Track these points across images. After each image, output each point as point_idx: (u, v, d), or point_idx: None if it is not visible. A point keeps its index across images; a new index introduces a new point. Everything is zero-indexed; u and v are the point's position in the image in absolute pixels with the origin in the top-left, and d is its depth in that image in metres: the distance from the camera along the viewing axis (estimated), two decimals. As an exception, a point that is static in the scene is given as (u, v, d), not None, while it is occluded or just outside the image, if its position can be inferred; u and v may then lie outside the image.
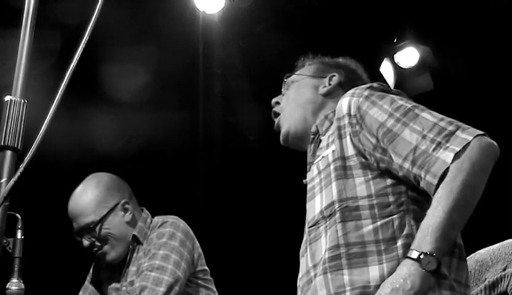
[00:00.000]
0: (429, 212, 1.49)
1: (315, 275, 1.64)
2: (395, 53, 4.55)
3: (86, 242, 2.68)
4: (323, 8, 4.30)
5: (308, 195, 1.80)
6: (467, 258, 2.08)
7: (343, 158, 1.69)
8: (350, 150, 1.69)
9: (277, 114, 2.04)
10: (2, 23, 3.13)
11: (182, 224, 2.70)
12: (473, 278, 2.02)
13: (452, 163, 1.49)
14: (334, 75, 2.01)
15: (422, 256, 1.44)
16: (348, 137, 1.70)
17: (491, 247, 2.07)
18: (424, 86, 4.60)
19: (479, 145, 1.51)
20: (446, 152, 1.51)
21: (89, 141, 4.28)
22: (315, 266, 1.66)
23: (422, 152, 1.54)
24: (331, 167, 1.71)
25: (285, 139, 2.00)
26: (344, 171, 1.68)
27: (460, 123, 1.58)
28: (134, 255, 2.70)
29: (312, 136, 1.90)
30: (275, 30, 4.27)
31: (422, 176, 1.53)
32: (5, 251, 1.42)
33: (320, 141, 1.86)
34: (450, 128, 1.55)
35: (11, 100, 1.32)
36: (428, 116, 1.61)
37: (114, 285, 2.75)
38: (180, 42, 4.37)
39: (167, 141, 4.46)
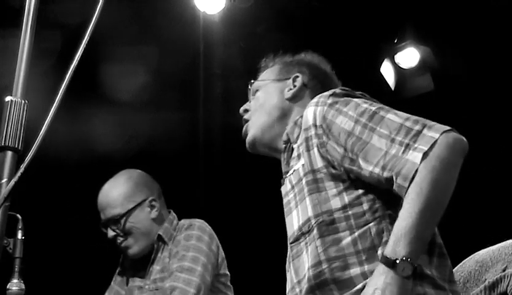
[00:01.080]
0: (401, 214, 1.47)
1: (300, 292, 1.64)
2: (396, 53, 4.55)
3: (111, 233, 2.73)
4: (324, 8, 4.30)
5: (285, 210, 1.79)
6: (467, 259, 2.09)
7: (313, 171, 1.67)
8: (319, 162, 1.67)
9: (247, 121, 2.02)
10: (2, 23, 3.13)
11: (208, 227, 2.75)
12: (472, 279, 2.02)
13: (420, 163, 1.47)
14: (297, 76, 1.98)
15: (397, 261, 1.42)
16: (315, 149, 1.68)
17: (491, 248, 2.07)
18: (424, 87, 4.60)
19: (446, 142, 1.49)
20: (415, 153, 1.49)
21: (89, 141, 4.28)
22: (299, 282, 1.65)
23: (392, 156, 1.52)
24: (303, 181, 1.69)
25: (250, 146, 1.99)
26: (316, 184, 1.66)
27: (426, 121, 1.56)
28: (159, 254, 2.73)
29: (284, 145, 1.88)
30: (276, 30, 4.27)
31: (394, 179, 1.51)
32: (5, 251, 1.42)
33: (293, 149, 1.83)
34: (417, 127, 1.53)
35: (11, 101, 1.32)
36: (394, 117, 1.59)
37: (138, 283, 2.79)
38: (181, 42, 4.37)
39: (168, 141, 4.47)
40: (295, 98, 1.96)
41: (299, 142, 1.78)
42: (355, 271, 1.55)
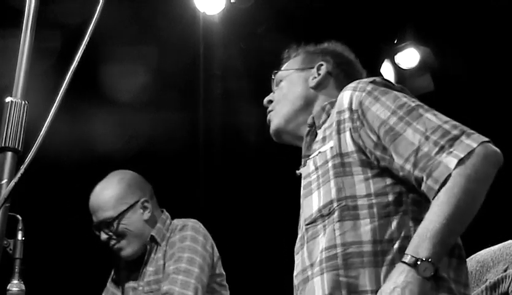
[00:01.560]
0: (428, 216, 1.46)
1: (312, 275, 1.62)
2: (396, 54, 4.55)
3: (103, 236, 2.72)
4: (324, 9, 4.30)
5: (304, 191, 1.76)
6: (468, 259, 2.09)
7: (342, 154, 1.65)
8: (349, 147, 1.65)
9: (270, 111, 2.00)
10: (2, 23, 3.13)
11: (201, 227, 2.74)
12: (473, 279, 2.02)
13: (455, 169, 1.46)
14: (322, 65, 1.97)
15: (419, 262, 1.41)
16: (348, 133, 1.66)
17: (492, 248, 2.07)
18: (425, 87, 4.60)
19: (484, 153, 1.48)
20: (449, 157, 1.47)
21: (89, 141, 4.28)
22: (312, 265, 1.63)
23: (424, 154, 1.51)
24: (330, 164, 1.67)
25: (275, 134, 1.98)
26: (343, 168, 1.64)
27: (465, 128, 1.54)
28: (152, 255, 2.73)
29: (308, 128, 1.86)
30: (276, 31, 4.27)
31: (424, 179, 1.50)
32: (5, 252, 1.42)
33: (316, 133, 1.82)
34: (455, 132, 1.52)
35: (12, 102, 1.32)
36: (433, 117, 1.57)
37: (131, 284, 2.78)
38: (181, 42, 4.37)
39: (167, 141, 4.46)
40: (320, 86, 1.94)
41: (326, 125, 1.76)
42: (368, 260, 1.54)
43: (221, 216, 4.69)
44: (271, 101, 2.01)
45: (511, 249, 2.00)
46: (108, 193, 2.73)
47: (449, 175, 1.46)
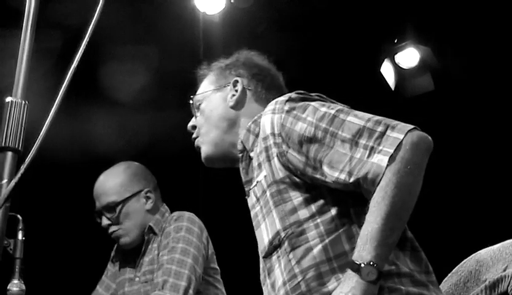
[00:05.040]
0: (366, 218, 1.46)
1: None
2: (396, 53, 4.55)
3: (105, 222, 2.74)
4: (324, 9, 4.30)
5: (254, 223, 1.76)
6: (467, 258, 2.09)
7: (276, 182, 1.64)
8: (280, 173, 1.64)
9: (196, 138, 1.98)
10: (2, 23, 3.13)
11: (197, 219, 2.74)
12: (473, 278, 2.02)
13: (387, 166, 1.45)
14: (236, 81, 1.93)
15: (362, 266, 1.41)
16: (276, 159, 1.64)
17: (491, 247, 2.07)
18: (425, 87, 4.60)
19: (411, 142, 1.46)
20: (380, 156, 1.47)
21: (89, 141, 4.28)
22: None
23: (357, 161, 1.50)
24: (268, 193, 1.66)
25: (207, 162, 1.96)
26: (280, 196, 1.63)
27: (388, 121, 1.53)
28: (149, 246, 2.74)
29: (240, 154, 1.83)
30: (276, 31, 4.27)
31: (361, 183, 1.49)
32: (6, 252, 1.42)
33: (250, 157, 1.79)
34: (380, 128, 1.50)
35: (12, 101, 1.32)
36: (355, 119, 1.55)
37: (128, 275, 2.79)
38: (181, 42, 4.37)
39: (168, 141, 4.46)
40: (239, 104, 1.91)
41: (258, 150, 1.74)
42: (328, 280, 1.54)
43: (221, 216, 4.69)
44: (194, 127, 1.99)
45: (511, 248, 2.00)
46: (114, 179, 2.77)
47: (383, 174, 1.45)
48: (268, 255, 1.67)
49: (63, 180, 4.25)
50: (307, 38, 4.20)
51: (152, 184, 2.84)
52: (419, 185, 1.48)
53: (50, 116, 1.30)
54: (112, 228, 2.73)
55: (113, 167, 2.83)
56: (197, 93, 2.03)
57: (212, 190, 4.84)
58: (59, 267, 4.20)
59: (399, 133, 1.48)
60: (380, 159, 1.46)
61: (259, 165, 1.71)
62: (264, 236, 1.69)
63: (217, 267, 2.80)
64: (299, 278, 1.57)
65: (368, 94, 4.15)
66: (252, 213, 1.77)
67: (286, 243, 1.61)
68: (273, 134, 1.65)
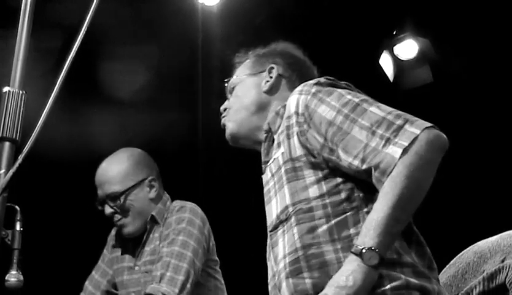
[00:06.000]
0: (374, 206, 1.50)
1: (279, 280, 1.65)
2: (394, 45, 4.55)
3: (108, 210, 2.70)
4: (323, 1, 4.29)
5: (265, 199, 1.80)
6: (466, 250, 2.09)
7: (292, 159, 1.68)
8: (298, 151, 1.68)
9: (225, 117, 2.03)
10: (2, 23, 3.12)
11: (200, 210, 2.73)
12: (471, 270, 2.02)
13: (400, 158, 1.48)
14: (272, 67, 1.99)
15: (364, 251, 1.45)
16: (295, 137, 1.69)
17: (490, 239, 2.07)
18: (423, 79, 4.60)
19: (426, 138, 1.50)
20: (395, 148, 1.50)
21: (89, 140, 4.27)
22: (279, 271, 1.66)
23: (372, 149, 1.53)
24: (282, 170, 1.70)
25: (231, 139, 2.01)
26: (294, 173, 1.67)
27: (408, 116, 1.56)
28: (151, 235, 2.72)
29: (265, 135, 1.88)
30: (275, 22, 4.26)
31: (372, 171, 1.53)
32: (4, 242, 1.42)
33: (274, 139, 1.83)
34: (398, 122, 1.54)
35: (9, 91, 1.32)
36: (377, 110, 1.59)
37: (127, 263, 2.77)
38: (180, 34, 4.36)
39: (167, 139, 4.46)
40: (272, 90, 1.97)
41: (280, 130, 1.78)
42: (330, 258, 1.57)
43: (221, 215, 4.69)
44: (225, 109, 2.04)
45: (509, 240, 2.00)
46: (117, 167, 2.73)
47: (395, 165, 1.49)
48: (274, 229, 1.71)
49: (62, 174, 4.24)
50: (305, 29, 4.19)
51: (155, 172, 2.81)
52: (429, 182, 1.51)
53: (47, 105, 1.30)
54: (116, 218, 2.70)
55: (115, 153, 2.79)
56: (233, 76, 2.07)
57: (212, 190, 4.84)
58: (57, 257, 4.20)
59: (417, 128, 1.51)
60: (394, 150, 1.50)
61: (279, 144, 1.76)
62: (273, 211, 1.73)
63: (217, 259, 2.79)
64: (300, 253, 1.60)
65: (366, 86, 4.13)
66: (265, 189, 1.81)
67: (292, 218, 1.64)
68: (297, 113, 1.70)
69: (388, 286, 1.49)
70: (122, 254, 2.80)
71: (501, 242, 2.01)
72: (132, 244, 2.76)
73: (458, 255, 2.11)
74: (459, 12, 4.24)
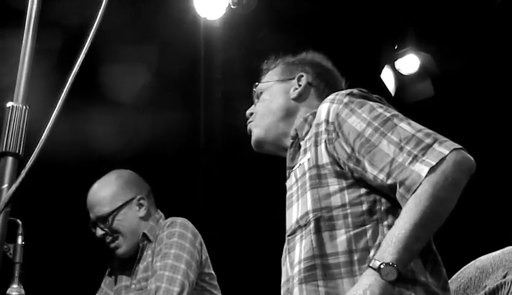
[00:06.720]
0: (396, 222, 1.49)
1: (293, 285, 1.64)
2: (396, 59, 4.56)
3: (99, 232, 2.74)
4: (325, 15, 4.30)
5: (287, 203, 1.79)
6: (467, 265, 2.09)
7: (318, 166, 1.68)
8: (324, 158, 1.68)
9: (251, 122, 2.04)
10: (2, 24, 3.13)
11: (190, 224, 2.74)
12: (473, 285, 2.02)
13: (426, 177, 1.48)
14: (302, 76, 2.00)
15: (382, 266, 1.44)
16: (323, 145, 1.69)
17: (492, 254, 2.07)
18: (425, 93, 4.60)
19: (454, 159, 1.50)
20: (421, 166, 1.50)
21: (90, 142, 4.28)
22: (293, 276, 1.66)
23: (398, 165, 1.53)
24: (307, 175, 1.70)
25: (256, 144, 2.01)
26: (318, 180, 1.67)
27: (438, 136, 1.56)
28: (144, 253, 2.74)
29: (291, 140, 1.89)
30: (276, 36, 4.28)
31: (397, 187, 1.52)
32: (5, 256, 1.42)
33: (300, 145, 1.84)
34: (428, 140, 1.54)
35: (13, 106, 1.32)
36: (407, 127, 1.59)
37: (124, 283, 2.79)
38: (182, 47, 4.38)
39: (168, 142, 4.46)
40: (301, 97, 1.97)
41: (307, 137, 1.79)
42: (346, 270, 1.56)
43: (221, 217, 4.69)
44: (252, 114, 2.04)
45: (511, 255, 2.00)
46: (106, 190, 2.76)
47: (421, 183, 1.48)
48: (292, 233, 1.70)
49: (63, 184, 4.24)
50: (307, 44, 4.20)
51: (145, 191, 2.83)
52: (453, 203, 1.51)
53: (51, 121, 1.30)
54: (108, 239, 2.73)
55: (104, 177, 2.82)
56: (262, 81, 2.07)
57: (212, 190, 4.84)
58: (59, 271, 4.20)
59: (446, 148, 1.51)
60: (421, 168, 1.49)
61: (305, 150, 1.76)
62: (293, 215, 1.72)
63: (212, 272, 2.79)
64: (317, 261, 1.60)
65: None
66: (288, 194, 1.80)
67: (312, 225, 1.63)
68: (327, 121, 1.70)
69: None
70: (120, 274, 2.83)
71: (503, 257, 2.00)
72: (130, 263, 2.78)
73: (460, 270, 2.11)
74: (460, 27, 4.25)
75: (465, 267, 2.10)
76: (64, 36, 3.84)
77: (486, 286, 1.96)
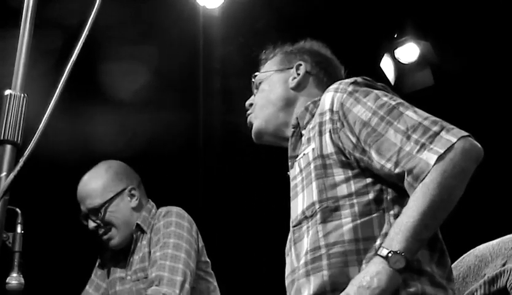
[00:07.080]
0: (404, 210, 1.50)
1: (298, 276, 1.64)
2: (396, 48, 4.55)
3: (91, 224, 2.72)
4: (324, 3, 4.29)
5: (291, 194, 1.79)
6: (467, 253, 2.09)
7: (322, 156, 1.67)
8: (329, 148, 1.67)
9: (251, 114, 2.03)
10: (2, 23, 3.12)
11: (186, 213, 2.73)
12: (472, 274, 2.02)
13: (434, 165, 1.48)
14: (300, 64, 1.99)
15: (390, 254, 1.44)
16: (327, 134, 1.68)
17: (491, 242, 2.07)
18: (424, 82, 4.60)
19: (462, 147, 1.49)
20: (430, 154, 1.49)
21: (89, 140, 4.27)
22: (299, 266, 1.65)
23: (406, 154, 1.53)
24: (312, 166, 1.69)
25: (256, 135, 2.00)
26: (324, 170, 1.66)
27: (445, 123, 1.55)
28: (138, 244, 2.73)
29: (292, 129, 1.88)
30: (276, 25, 4.26)
31: (405, 176, 1.52)
32: (5, 245, 1.42)
33: (302, 134, 1.83)
34: (435, 128, 1.53)
35: (11, 94, 1.32)
36: (413, 115, 1.58)
37: (119, 274, 2.78)
38: (181, 37, 4.36)
39: (168, 140, 4.46)
40: (300, 86, 1.96)
41: (310, 126, 1.78)
42: (352, 258, 1.56)
43: (221, 214, 4.69)
44: (251, 105, 2.03)
45: (510, 243, 2.00)
46: (96, 182, 2.74)
47: (429, 171, 1.48)
48: (298, 224, 1.70)
49: (63, 176, 4.23)
50: (306, 32, 4.19)
51: (135, 181, 2.81)
52: (461, 191, 1.51)
53: (49, 108, 1.30)
54: (100, 231, 2.72)
55: (94, 168, 2.80)
56: (260, 72, 2.07)
57: (212, 190, 4.84)
58: (58, 260, 4.20)
59: (453, 136, 1.51)
60: (429, 157, 1.49)
61: (309, 139, 1.75)
62: (299, 206, 1.71)
63: (208, 260, 2.79)
64: (323, 250, 1.59)
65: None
66: (292, 184, 1.79)
67: (318, 215, 1.63)
68: (331, 110, 1.68)
69: (403, 292, 1.48)
70: (114, 266, 2.81)
71: (502, 246, 2.00)
72: (123, 255, 2.77)
73: (459, 259, 2.11)
74: (460, 15, 4.24)
75: (464, 256, 2.11)
76: (64, 35, 3.83)
77: (485, 274, 1.96)
